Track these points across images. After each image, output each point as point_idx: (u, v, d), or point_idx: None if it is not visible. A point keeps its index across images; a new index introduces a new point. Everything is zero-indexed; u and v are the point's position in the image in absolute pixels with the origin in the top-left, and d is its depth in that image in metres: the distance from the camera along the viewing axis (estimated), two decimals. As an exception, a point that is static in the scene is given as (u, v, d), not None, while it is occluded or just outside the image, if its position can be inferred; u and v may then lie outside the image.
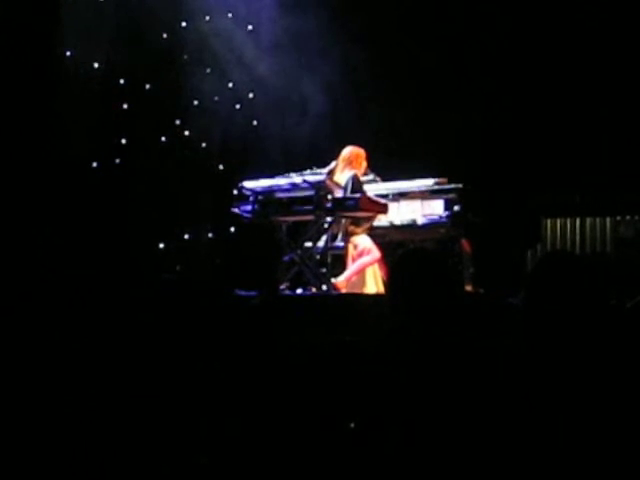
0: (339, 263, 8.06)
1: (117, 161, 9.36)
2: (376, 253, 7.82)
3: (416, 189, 8.27)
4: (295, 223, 8.21)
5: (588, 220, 8.80)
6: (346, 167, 7.87)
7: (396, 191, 8.28)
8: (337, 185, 7.69)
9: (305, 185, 7.67)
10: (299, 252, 7.87)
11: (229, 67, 10.03)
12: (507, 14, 9.84)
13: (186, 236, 9.92)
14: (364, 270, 7.83)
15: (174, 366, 3.37)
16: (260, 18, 10.29)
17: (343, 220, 7.89)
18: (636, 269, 8.12)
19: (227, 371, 3.33)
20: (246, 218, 8.19)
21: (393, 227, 8.21)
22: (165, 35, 9.78)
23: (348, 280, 7.77)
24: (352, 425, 2.93)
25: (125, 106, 9.43)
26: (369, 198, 7.69)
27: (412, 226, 8.13)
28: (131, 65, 9.48)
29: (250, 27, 10.31)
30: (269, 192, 7.95)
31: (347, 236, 7.96)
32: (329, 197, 7.59)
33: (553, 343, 2.84)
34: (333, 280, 7.72)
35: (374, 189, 8.10)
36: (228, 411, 3.20)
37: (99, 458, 3.16)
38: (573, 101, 9.58)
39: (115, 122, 9.34)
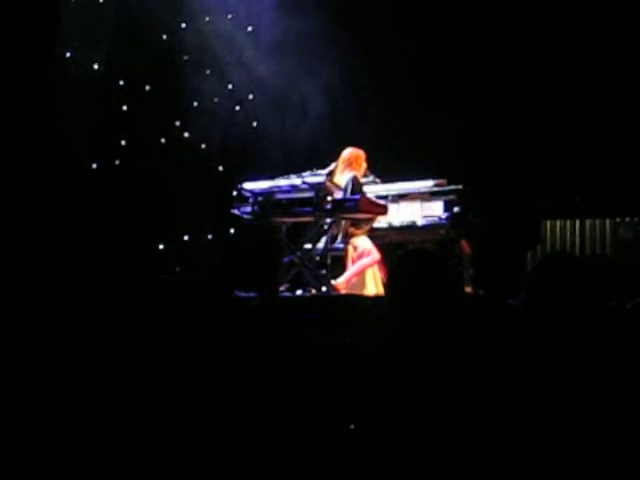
0: (339, 264, 8.05)
1: (117, 162, 9.36)
2: (376, 254, 7.83)
3: (416, 190, 8.27)
4: (295, 224, 8.21)
5: (588, 222, 8.79)
6: (346, 168, 7.87)
7: (396, 192, 8.27)
8: (337, 186, 7.69)
9: (305, 186, 7.67)
10: (299, 253, 7.87)
11: (229, 68, 10.03)
12: (506, 15, 9.84)
13: (186, 237, 9.92)
14: (364, 271, 7.83)
15: (173, 367, 3.37)
16: (260, 19, 10.29)
17: (343, 221, 7.89)
18: (635, 271, 8.11)
19: (227, 372, 3.33)
20: (246, 219, 8.19)
21: (393, 228, 8.21)
22: (165, 36, 9.79)
23: (348, 281, 7.77)
24: (352, 427, 2.93)
25: (125, 107, 9.44)
26: (369, 199, 7.69)
27: (412, 227, 8.13)
28: (131, 66, 9.49)
29: (250, 28, 10.31)
30: (269, 193, 7.95)
31: (347, 237, 7.96)
32: (329, 198, 7.59)
33: (553, 344, 2.84)
34: (333, 281, 7.72)
35: (374, 190, 8.10)
36: (228, 412, 3.20)
37: (99, 458, 3.16)
38: (573, 102, 9.58)
39: (115, 123, 9.34)
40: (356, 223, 7.88)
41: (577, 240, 8.82)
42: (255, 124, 10.41)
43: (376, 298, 7.24)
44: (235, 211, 8.20)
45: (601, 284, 2.95)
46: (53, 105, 8.72)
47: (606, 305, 3.02)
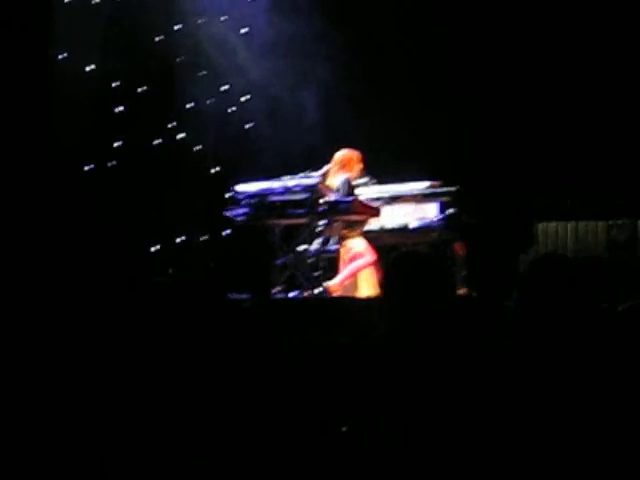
0: (332, 266, 8.05)
1: (110, 164, 9.35)
2: (369, 256, 7.82)
3: (410, 192, 8.26)
4: (288, 226, 8.20)
5: (581, 223, 8.79)
6: (339, 170, 7.87)
7: (390, 194, 8.27)
8: (330, 188, 7.69)
9: (298, 188, 7.67)
10: (292, 255, 7.87)
11: (223, 70, 10.02)
12: (502, 16, 9.85)
13: (179, 239, 9.91)
14: (357, 273, 7.83)
15: (167, 368, 3.37)
16: (255, 21, 10.29)
17: (336, 223, 7.88)
18: (629, 273, 8.12)
19: (220, 374, 3.33)
20: (239, 221, 8.18)
21: (386, 230, 8.20)
22: (158, 38, 9.77)
23: (341, 283, 7.77)
24: (344, 429, 2.93)
25: (118, 109, 9.43)
26: (362, 202, 7.69)
27: (406, 229, 8.13)
28: (124, 68, 9.48)
29: (244, 30, 10.31)
30: (262, 195, 7.95)
31: (340, 239, 7.95)
32: (322, 200, 7.59)
33: (546, 346, 2.84)
34: (326, 283, 7.72)
35: (369, 192, 8.09)
36: (222, 412, 3.19)
37: (97, 459, 3.16)
38: (567, 104, 9.58)
39: (108, 125, 9.33)
40: (350, 225, 7.88)
41: (570, 242, 8.82)
42: (249, 126, 10.40)
43: (369, 300, 7.23)
44: (228, 213, 8.19)
45: (594, 286, 2.96)
46: (47, 106, 8.71)
47: (599, 307, 3.02)
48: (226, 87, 10.22)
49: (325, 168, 7.92)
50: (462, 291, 7.68)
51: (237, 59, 9.99)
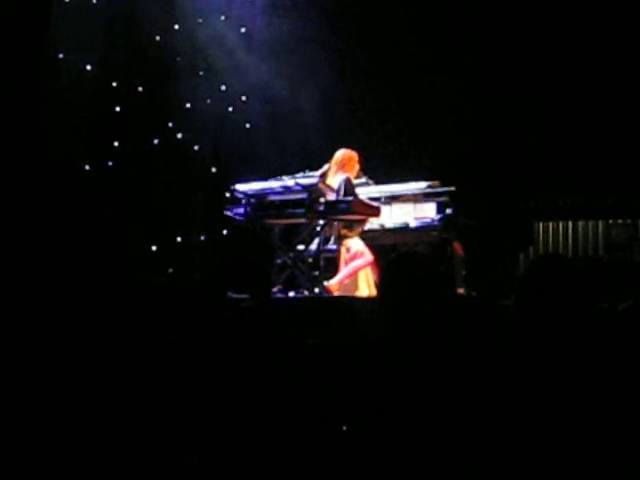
0: (331, 266, 8.05)
1: (110, 163, 9.35)
2: (369, 256, 7.83)
3: (409, 192, 8.27)
4: (287, 226, 8.21)
5: (580, 223, 8.80)
6: (339, 170, 7.87)
7: (389, 194, 8.28)
8: (330, 188, 7.69)
9: (297, 188, 7.66)
10: (291, 255, 7.87)
11: (222, 70, 10.03)
12: (500, 16, 9.85)
13: (178, 238, 9.92)
14: (357, 273, 7.83)
15: (165, 368, 3.37)
16: (254, 21, 10.30)
17: (335, 223, 7.89)
18: (628, 272, 8.12)
19: (218, 373, 3.33)
20: (238, 221, 8.18)
21: (385, 230, 8.21)
22: (158, 37, 9.78)
23: (340, 283, 7.77)
24: (344, 428, 2.93)
25: (118, 108, 9.43)
26: (362, 201, 7.70)
27: (404, 229, 8.13)
28: (124, 67, 9.48)
29: (243, 30, 10.32)
30: (261, 195, 7.95)
31: (340, 239, 7.96)
32: (321, 200, 7.60)
33: (544, 346, 2.85)
34: (325, 283, 7.73)
35: (367, 192, 8.10)
36: (220, 412, 3.19)
37: (91, 458, 3.16)
38: (565, 104, 9.59)
39: (108, 124, 9.33)
40: (349, 225, 7.88)
41: (570, 242, 8.83)
42: (248, 125, 10.41)
43: (369, 300, 7.24)
44: (228, 212, 8.20)
45: (592, 285, 2.96)
46: (46, 106, 8.71)
47: (597, 307, 3.02)
48: (225, 87, 10.23)
49: (324, 168, 7.92)
50: (461, 291, 7.69)
51: (236, 59, 9.99)
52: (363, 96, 10.27)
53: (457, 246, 8.04)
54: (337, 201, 7.58)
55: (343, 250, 7.93)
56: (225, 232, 9.96)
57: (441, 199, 8.06)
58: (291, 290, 7.89)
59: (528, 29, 9.75)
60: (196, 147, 10.16)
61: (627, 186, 8.69)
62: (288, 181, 7.82)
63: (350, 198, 7.55)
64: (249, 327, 3.92)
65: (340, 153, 7.98)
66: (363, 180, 8.16)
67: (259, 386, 3.27)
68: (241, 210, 8.04)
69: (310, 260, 8.03)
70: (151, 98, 9.62)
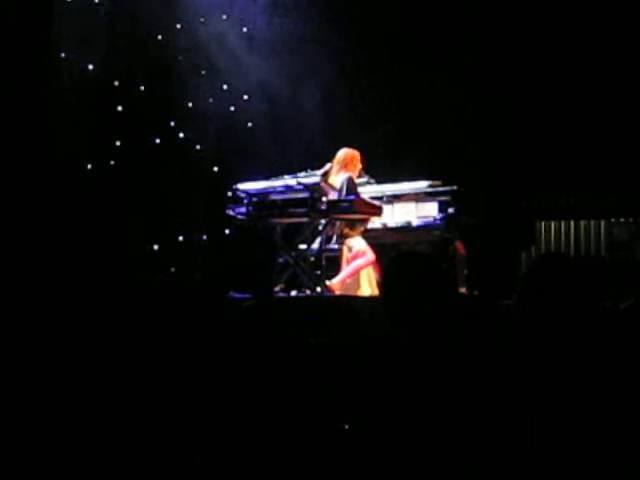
0: (333, 265, 8.05)
1: (112, 163, 9.36)
2: (370, 255, 7.83)
3: (410, 191, 8.27)
4: (290, 225, 8.21)
5: (582, 223, 8.79)
6: (341, 169, 7.87)
7: (390, 193, 8.28)
8: (332, 187, 7.69)
9: (299, 187, 7.66)
10: (293, 254, 7.87)
11: (224, 69, 10.03)
12: (502, 15, 9.85)
13: (180, 238, 9.92)
14: (358, 272, 7.83)
15: (167, 367, 3.37)
16: (256, 20, 10.30)
17: (337, 222, 7.89)
18: (630, 272, 8.12)
19: (220, 372, 3.33)
20: (240, 220, 8.18)
21: (387, 229, 8.21)
22: (160, 37, 9.78)
23: (342, 282, 7.77)
24: (346, 427, 2.93)
25: (119, 108, 9.43)
26: (364, 200, 7.69)
27: (406, 228, 8.13)
28: (126, 67, 9.48)
29: (245, 29, 10.32)
30: (263, 194, 7.95)
31: (341, 238, 7.96)
32: (323, 199, 7.60)
33: (547, 345, 2.85)
34: (327, 282, 7.72)
35: (368, 191, 8.10)
36: (222, 412, 3.20)
37: (94, 458, 3.16)
38: (567, 103, 9.59)
39: (109, 124, 9.33)
40: (351, 224, 7.88)
41: (572, 241, 8.82)
42: (250, 124, 10.41)
43: (371, 299, 7.24)
44: (230, 212, 8.20)
45: (594, 285, 2.96)
46: (48, 105, 8.71)
47: (599, 306, 3.02)
48: (227, 86, 10.23)
49: (326, 167, 7.92)
50: (463, 290, 7.69)
51: (238, 58, 10.00)
52: (365, 95, 10.27)
53: (459, 245, 8.04)
54: (339, 200, 7.58)
55: (345, 249, 7.93)
56: (227, 231, 9.96)
57: (443, 198, 8.06)
58: (293, 289, 7.89)
59: (530, 28, 9.74)
60: (198, 146, 10.17)
61: (629, 185, 8.68)
62: (290, 180, 7.82)
63: (352, 197, 7.55)
64: (251, 326, 3.92)
65: (342, 152, 7.98)
66: (365, 179, 8.16)
67: (261, 385, 3.27)
68: (243, 209, 8.05)
69: (312, 259, 8.03)
70: (153, 97, 9.62)
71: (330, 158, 8.00)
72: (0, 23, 8.37)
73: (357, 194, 7.64)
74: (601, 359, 2.80)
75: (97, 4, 9.23)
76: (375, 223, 8.12)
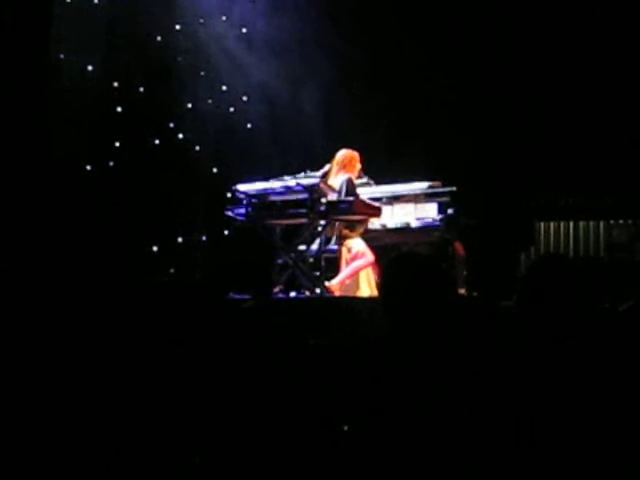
0: (333, 266, 8.05)
1: (111, 164, 9.36)
2: (370, 256, 7.83)
3: (410, 192, 8.27)
4: (289, 226, 8.21)
5: (582, 224, 8.79)
6: (340, 170, 7.87)
7: (390, 194, 8.28)
8: (331, 188, 7.70)
9: (299, 188, 7.67)
10: (293, 255, 7.87)
11: (223, 70, 10.03)
12: (502, 16, 9.86)
13: (180, 239, 9.92)
14: (358, 273, 7.83)
15: (167, 368, 3.37)
16: (255, 21, 10.30)
17: (337, 223, 7.89)
18: (629, 273, 8.12)
19: (220, 373, 3.33)
20: (240, 221, 8.19)
21: (387, 230, 8.21)
22: (159, 38, 9.78)
23: (342, 283, 7.77)
24: (345, 428, 2.93)
25: (119, 109, 9.43)
26: (363, 201, 7.70)
27: (406, 229, 8.13)
28: (125, 68, 9.48)
29: (244, 30, 10.32)
30: (263, 195, 7.96)
31: (341, 239, 7.96)
32: (323, 200, 7.60)
33: (546, 346, 2.85)
34: (327, 283, 7.73)
35: (368, 192, 8.10)
36: (221, 413, 3.20)
37: (95, 458, 3.16)
38: (567, 103, 9.60)
39: (109, 125, 9.33)
40: (350, 225, 7.88)
41: (571, 242, 8.82)
42: (249, 125, 10.41)
43: (370, 300, 7.25)
44: (229, 213, 8.20)
45: (594, 286, 2.96)
46: (47, 106, 8.70)
47: (599, 307, 3.02)
48: (226, 87, 10.23)
49: (326, 168, 7.92)
50: (463, 291, 7.69)
51: (237, 59, 10.00)
52: (364, 96, 10.27)
53: (458, 246, 8.04)
54: (338, 201, 7.58)
55: (344, 250, 7.93)
56: (226, 232, 9.96)
57: (442, 199, 8.06)
58: (292, 290, 7.89)
59: (531, 28, 9.75)
60: (197, 147, 10.17)
61: (628, 186, 8.68)
62: (289, 181, 7.82)
63: (351, 198, 7.55)
64: (250, 327, 3.92)
65: (341, 153, 7.98)
66: (364, 180, 8.16)
67: (261, 386, 3.27)
68: (242, 210, 8.05)
69: (311, 260, 8.04)
70: (152, 98, 9.62)
71: (329, 159, 8.00)
72: (0, 24, 8.38)
73: (356, 195, 7.64)
74: (600, 360, 2.80)
75: (96, 5, 9.23)
76: (374, 224, 8.12)
